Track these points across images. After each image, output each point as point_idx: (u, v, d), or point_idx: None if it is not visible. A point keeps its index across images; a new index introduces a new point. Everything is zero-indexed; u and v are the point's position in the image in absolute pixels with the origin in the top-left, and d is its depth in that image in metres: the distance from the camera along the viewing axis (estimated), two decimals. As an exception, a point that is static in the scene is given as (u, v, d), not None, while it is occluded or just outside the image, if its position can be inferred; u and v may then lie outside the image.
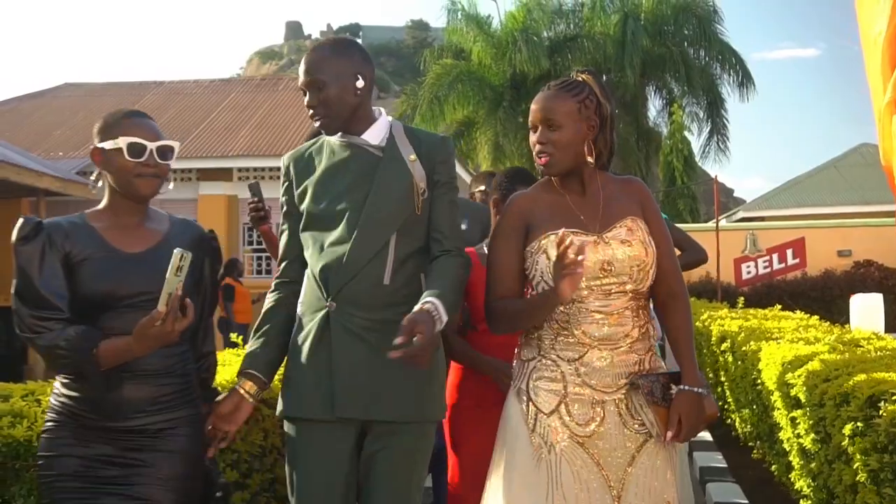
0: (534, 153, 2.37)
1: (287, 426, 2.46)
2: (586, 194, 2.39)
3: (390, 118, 2.54)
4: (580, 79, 2.40)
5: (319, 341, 2.37)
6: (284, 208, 2.55)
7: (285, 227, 2.57)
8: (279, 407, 2.47)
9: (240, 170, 14.34)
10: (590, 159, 2.36)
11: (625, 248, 2.31)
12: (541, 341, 2.34)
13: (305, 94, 2.46)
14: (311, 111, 2.45)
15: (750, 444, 5.76)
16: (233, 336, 4.83)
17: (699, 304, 11.59)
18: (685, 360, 2.33)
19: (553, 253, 2.17)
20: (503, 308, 2.36)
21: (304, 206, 2.46)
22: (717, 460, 6.00)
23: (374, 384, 2.33)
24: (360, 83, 2.43)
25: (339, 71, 2.42)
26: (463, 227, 3.71)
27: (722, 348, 6.37)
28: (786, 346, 4.20)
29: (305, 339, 2.40)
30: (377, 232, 2.36)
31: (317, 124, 2.48)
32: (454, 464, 3.10)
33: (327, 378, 2.34)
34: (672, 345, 2.40)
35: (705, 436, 6.89)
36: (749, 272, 17.10)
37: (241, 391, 2.40)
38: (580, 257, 2.07)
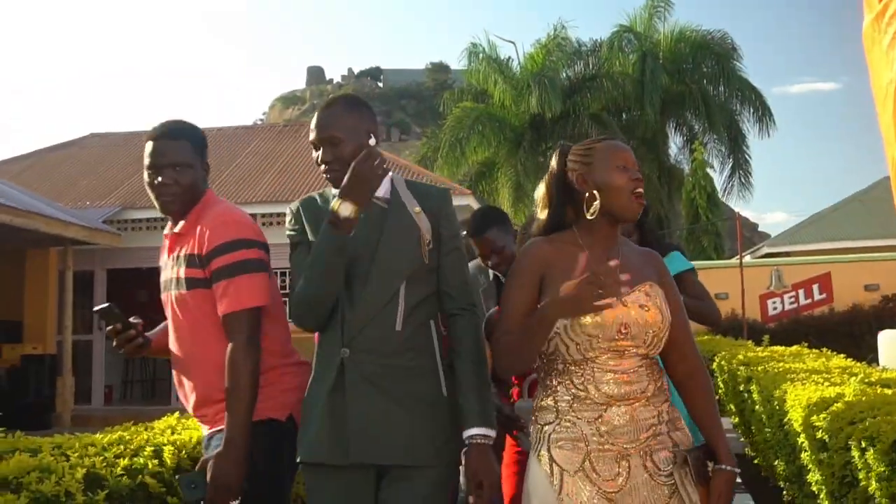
0: (630, 190, 2.35)
1: (305, 472, 2.49)
2: (609, 251, 2.39)
3: (391, 172, 2.59)
4: None
5: (334, 387, 2.40)
6: (295, 249, 2.55)
7: (300, 261, 2.52)
8: (298, 453, 2.48)
9: (263, 215, 14.47)
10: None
11: (642, 312, 2.31)
12: (557, 404, 2.33)
13: (318, 150, 2.53)
14: (325, 166, 2.50)
15: (780, 484, 5.69)
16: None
17: (724, 342, 11.48)
18: (717, 438, 2.32)
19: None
20: (507, 340, 2.34)
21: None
22: (747, 502, 5.93)
23: (387, 429, 2.36)
24: (371, 141, 2.50)
25: (354, 127, 2.49)
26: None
27: (749, 388, 6.31)
28: (811, 387, 4.17)
29: (321, 385, 2.45)
30: (388, 280, 2.42)
31: (328, 177, 2.51)
32: None
33: (342, 423, 2.37)
34: (699, 422, 2.38)
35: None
36: (775, 308, 16.98)
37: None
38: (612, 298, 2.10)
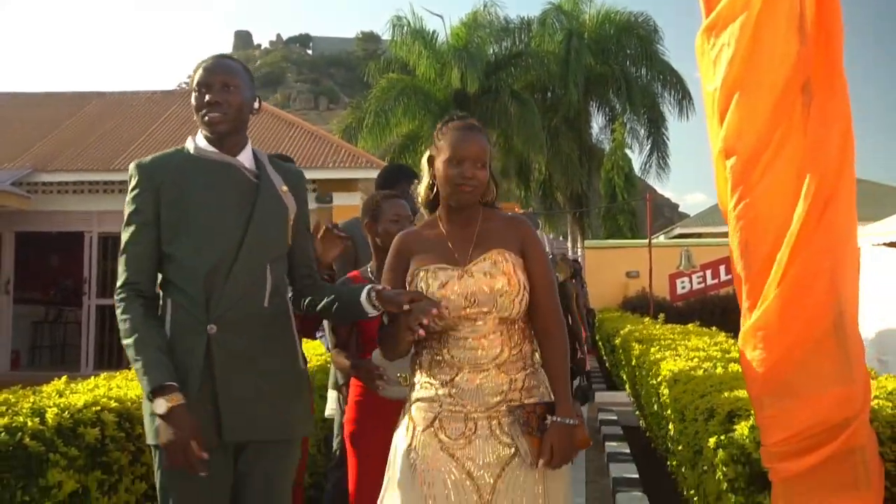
0: (455, 183, 2.51)
1: (162, 455, 2.36)
2: (467, 228, 2.58)
3: (250, 144, 2.62)
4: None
5: (201, 366, 2.37)
6: (139, 216, 2.44)
7: (138, 236, 2.44)
8: (151, 435, 2.38)
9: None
10: (489, 198, 2.61)
11: (487, 279, 2.48)
12: (420, 365, 2.55)
13: (205, 91, 2.48)
14: (210, 107, 2.47)
15: (665, 455, 6.01)
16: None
17: (630, 319, 11.90)
18: (559, 392, 2.50)
19: (424, 286, 2.46)
20: (381, 333, 2.59)
21: (172, 220, 2.42)
22: (631, 471, 6.23)
23: (260, 405, 2.43)
24: (256, 105, 2.60)
25: (248, 86, 2.57)
26: None
27: (640, 363, 6.63)
28: (681, 361, 4.45)
29: (183, 364, 2.36)
30: (259, 259, 2.46)
31: (206, 119, 2.47)
32: (353, 477, 3.25)
33: (211, 403, 2.37)
34: (549, 377, 2.55)
35: (623, 448, 7.14)
36: (683, 287, 17.56)
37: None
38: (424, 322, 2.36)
